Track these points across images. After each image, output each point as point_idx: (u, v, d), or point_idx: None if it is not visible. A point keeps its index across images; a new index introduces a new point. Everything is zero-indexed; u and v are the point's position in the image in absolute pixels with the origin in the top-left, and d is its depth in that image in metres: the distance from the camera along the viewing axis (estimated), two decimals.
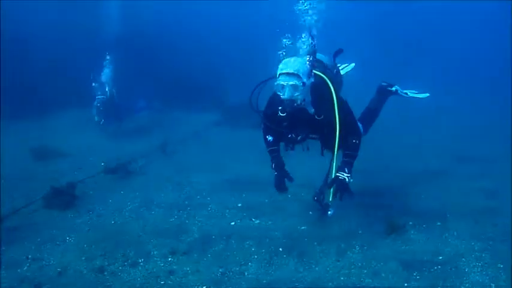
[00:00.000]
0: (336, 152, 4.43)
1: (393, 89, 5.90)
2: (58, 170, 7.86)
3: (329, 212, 4.63)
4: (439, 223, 5.23)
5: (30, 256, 4.74)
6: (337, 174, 4.49)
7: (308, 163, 5.74)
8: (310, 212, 5.54)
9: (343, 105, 4.53)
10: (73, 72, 12.66)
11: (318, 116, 4.53)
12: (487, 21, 22.04)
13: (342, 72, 5.94)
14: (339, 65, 6.16)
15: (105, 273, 4.35)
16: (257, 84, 4.67)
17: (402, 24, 22.23)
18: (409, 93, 6.00)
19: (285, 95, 4.29)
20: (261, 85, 4.69)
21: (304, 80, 4.29)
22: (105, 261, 4.58)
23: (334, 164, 4.55)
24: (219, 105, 12.58)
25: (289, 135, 4.74)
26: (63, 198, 6.16)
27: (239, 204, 5.91)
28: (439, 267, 4.22)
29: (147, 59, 14.34)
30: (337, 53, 5.38)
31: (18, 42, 12.95)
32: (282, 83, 4.28)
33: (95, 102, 10.59)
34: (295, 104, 4.33)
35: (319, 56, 5.00)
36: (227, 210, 5.75)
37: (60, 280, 4.21)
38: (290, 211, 5.57)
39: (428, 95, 6.00)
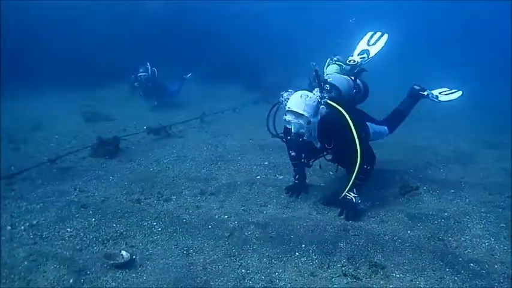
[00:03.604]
0: (353, 178, 4.53)
1: (425, 93, 5.98)
2: (104, 129, 8.58)
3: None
4: (452, 190, 5.48)
5: (77, 188, 5.42)
6: (346, 193, 4.65)
7: None
8: (331, 173, 5.95)
9: (358, 134, 4.50)
10: (122, 51, 13.74)
11: (328, 145, 4.72)
12: None
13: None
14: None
15: (142, 203, 4.96)
16: (270, 109, 4.82)
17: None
18: (439, 97, 6.06)
19: (292, 130, 4.44)
20: (273, 111, 4.82)
21: (310, 118, 4.38)
22: (142, 196, 5.19)
23: (349, 185, 4.61)
24: (259, 85, 13.15)
25: (302, 160, 4.99)
26: (108, 148, 6.84)
27: (266, 163, 6.37)
28: (443, 220, 4.53)
29: (196, 41, 15.28)
30: (359, 72, 5.48)
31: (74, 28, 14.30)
32: (289, 119, 4.41)
33: (132, 77, 11.44)
34: (300, 139, 4.48)
35: (333, 78, 5.06)
36: (254, 167, 6.23)
37: (103, 204, 4.83)
38: (312, 171, 5.95)
39: (461, 93, 6.06)
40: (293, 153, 5.17)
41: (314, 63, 4.95)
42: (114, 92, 12.89)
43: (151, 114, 10.70)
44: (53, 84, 12.32)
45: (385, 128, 5.66)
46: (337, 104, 4.59)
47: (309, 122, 4.39)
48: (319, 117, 4.50)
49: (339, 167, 5.18)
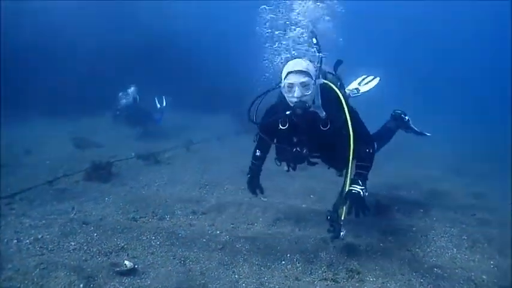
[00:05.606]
0: (350, 163, 4.09)
1: (406, 118, 5.79)
2: (94, 155, 8.93)
3: (341, 233, 4.21)
4: (421, 210, 6.07)
5: (75, 208, 5.78)
6: (351, 188, 4.18)
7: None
8: (311, 196, 6.47)
9: (353, 113, 4.23)
10: (108, 81, 14.21)
11: (323, 127, 4.25)
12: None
13: (363, 89, 5.94)
14: (362, 77, 6.18)
15: (138, 221, 5.37)
16: (259, 95, 4.44)
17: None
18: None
19: (294, 94, 4.01)
20: (262, 96, 4.46)
21: (314, 78, 4.06)
22: (138, 215, 5.59)
23: (349, 177, 4.22)
24: (241, 115, 13.76)
25: (294, 149, 4.47)
26: (101, 172, 7.24)
27: None
28: (412, 234, 5.10)
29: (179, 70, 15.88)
30: (337, 64, 5.08)
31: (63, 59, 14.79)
32: (292, 81, 4.00)
33: (117, 107, 11.87)
34: (307, 105, 4.05)
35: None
36: (240, 191, 6.69)
37: (102, 222, 5.22)
38: (294, 194, 6.48)
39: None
40: (258, 154, 4.90)
41: None
42: (102, 119, 13.27)
43: (138, 143, 11.13)
44: (41, 112, 12.71)
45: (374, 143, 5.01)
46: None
47: (314, 82, 4.05)
48: (321, 81, 4.19)
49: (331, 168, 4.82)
